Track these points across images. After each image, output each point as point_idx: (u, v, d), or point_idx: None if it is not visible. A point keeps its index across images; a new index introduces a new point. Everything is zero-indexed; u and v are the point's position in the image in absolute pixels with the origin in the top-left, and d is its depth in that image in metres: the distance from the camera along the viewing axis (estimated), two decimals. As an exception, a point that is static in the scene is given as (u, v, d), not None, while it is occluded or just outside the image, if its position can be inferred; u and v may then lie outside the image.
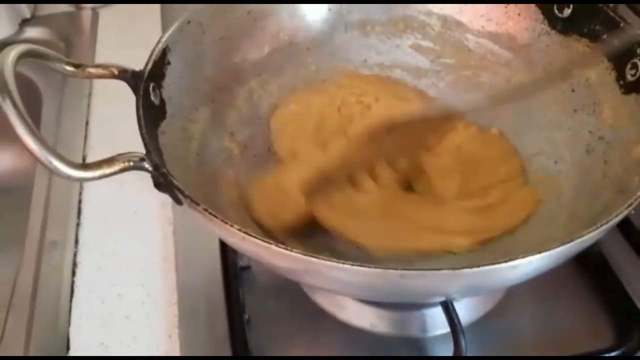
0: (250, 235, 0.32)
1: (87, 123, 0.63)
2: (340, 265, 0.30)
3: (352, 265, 0.30)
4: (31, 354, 0.45)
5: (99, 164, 0.35)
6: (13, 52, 0.37)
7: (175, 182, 0.35)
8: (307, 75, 0.57)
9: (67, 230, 0.53)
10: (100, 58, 0.70)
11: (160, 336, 0.46)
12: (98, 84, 0.66)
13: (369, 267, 0.30)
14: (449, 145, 0.51)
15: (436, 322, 0.46)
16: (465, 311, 0.45)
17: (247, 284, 0.48)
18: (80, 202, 0.56)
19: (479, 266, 0.29)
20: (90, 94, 0.66)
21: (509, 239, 0.45)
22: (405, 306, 0.46)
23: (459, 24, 0.56)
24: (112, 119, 0.62)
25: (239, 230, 0.32)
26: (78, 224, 0.54)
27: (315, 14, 0.57)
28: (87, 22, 0.76)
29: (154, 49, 0.45)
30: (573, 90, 0.49)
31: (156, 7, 0.77)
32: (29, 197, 0.56)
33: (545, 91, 0.51)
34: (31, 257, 0.51)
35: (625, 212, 0.33)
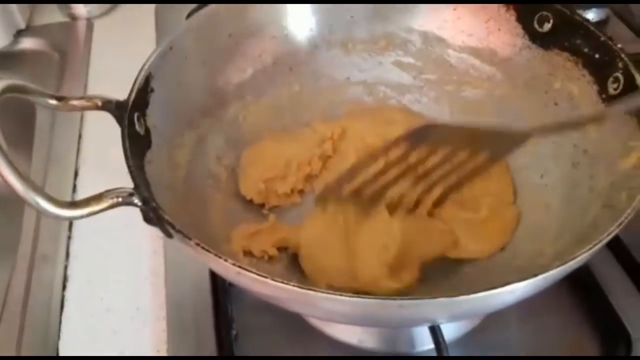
0: (246, 270, 0.32)
1: (79, 136, 0.62)
2: (339, 297, 0.29)
3: (351, 297, 0.30)
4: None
5: (87, 202, 0.35)
6: (-5, 89, 0.36)
7: (166, 217, 0.35)
8: (290, 95, 0.57)
9: (58, 243, 0.53)
10: (94, 69, 0.70)
11: (149, 352, 0.47)
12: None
13: (368, 298, 0.30)
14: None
15: (424, 338, 0.45)
16: (451, 328, 0.45)
17: (236, 299, 0.48)
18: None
19: (476, 292, 0.29)
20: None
21: (500, 255, 0.46)
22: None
23: (440, 39, 0.57)
24: (105, 132, 0.61)
25: (234, 264, 0.32)
26: (69, 237, 0.54)
27: (297, 34, 0.57)
28: (82, 33, 0.75)
29: (137, 77, 0.45)
30: (556, 104, 0.50)
31: (151, 18, 0.77)
32: (21, 208, 0.56)
33: (528, 104, 0.51)
34: (22, 270, 0.51)
35: (616, 232, 0.33)
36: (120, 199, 0.35)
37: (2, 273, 0.53)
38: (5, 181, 0.33)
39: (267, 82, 0.56)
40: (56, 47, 0.73)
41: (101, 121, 0.61)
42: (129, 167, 0.38)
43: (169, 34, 0.49)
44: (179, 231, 0.34)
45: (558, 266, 0.31)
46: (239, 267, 0.32)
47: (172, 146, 0.47)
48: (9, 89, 0.37)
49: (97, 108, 0.42)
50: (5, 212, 0.63)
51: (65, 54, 0.72)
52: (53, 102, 0.40)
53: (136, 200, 0.36)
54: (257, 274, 0.32)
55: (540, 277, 0.31)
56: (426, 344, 0.45)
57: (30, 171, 0.59)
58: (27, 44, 0.74)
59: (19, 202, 0.55)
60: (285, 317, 0.47)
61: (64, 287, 0.51)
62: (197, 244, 0.33)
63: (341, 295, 0.29)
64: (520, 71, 0.53)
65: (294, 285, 0.31)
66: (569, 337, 0.46)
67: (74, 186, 0.57)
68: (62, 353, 0.46)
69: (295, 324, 0.47)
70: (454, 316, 0.36)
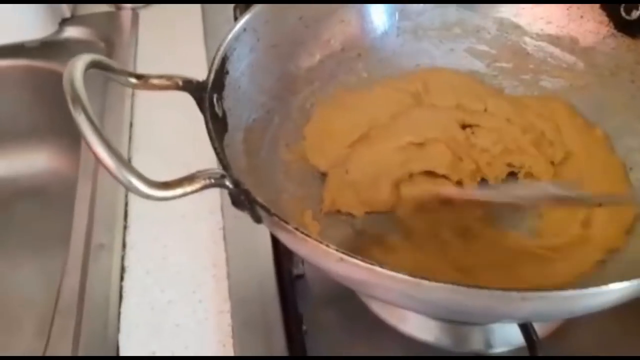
0: (350, 256, 0.30)
1: (131, 125, 0.61)
2: (463, 288, 0.27)
3: (472, 288, 0.28)
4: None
5: (179, 182, 0.33)
6: (80, 63, 0.34)
7: (260, 200, 0.33)
8: (358, 82, 0.55)
9: (114, 233, 0.51)
10: (141, 59, 0.68)
11: (214, 345, 0.45)
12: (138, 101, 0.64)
13: (490, 289, 0.27)
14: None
15: (500, 338, 0.44)
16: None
17: (302, 293, 0.46)
18: (126, 204, 0.54)
19: (607, 284, 0.27)
20: (133, 94, 0.63)
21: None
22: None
23: (516, 26, 0.55)
24: (156, 120, 0.60)
25: (337, 250, 0.30)
26: (125, 227, 0.52)
27: (366, 19, 0.55)
28: (127, 22, 0.74)
29: (214, 57, 0.43)
30: (645, 93, 0.48)
31: (197, 7, 0.74)
32: (72, 197, 0.54)
33: (613, 95, 0.49)
34: (77, 261, 0.49)
35: None
36: (212, 180, 0.33)
37: (56, 263, 0.52)
38: (97, 157, 0.31)
39: (336, 68, 0.54)
40: (102, 36, 0.72)
41: (152, 108, 0.62)
42: (215, 149, 0.36)
43: (244, 15, 0.47)
44: (274, 214, 0.32)
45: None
46: (343, 252, 0.30)
47: (244, 131, 0.45)
48: (93, 64, 0.36)
49: (178, 88, 0.40)
50: (52, 206, 0.63)
51: (112, 44, 0.71)
52: (133, 80, 0.39)
53: (228, 183, 0.34)
54: (363, 261, 0.30)
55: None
56: (501, 344, 0.44)
57: (80, 161, 0.58)
58: (73, 32, 0.73)
59: (70, 191, 0.56)
60: (355, 312, 0.46)
61: (121, 278, 0.49)
62: (296, 229, 0.31)
63: (468, 286, 0.27)
64: (604, 60, 0.51)
65: (404, 275, 0.29)
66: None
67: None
68: (122, 347, 0.45)
69: (366, 319, 0.45)
70: (570, 312, 0.33)
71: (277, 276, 0.47)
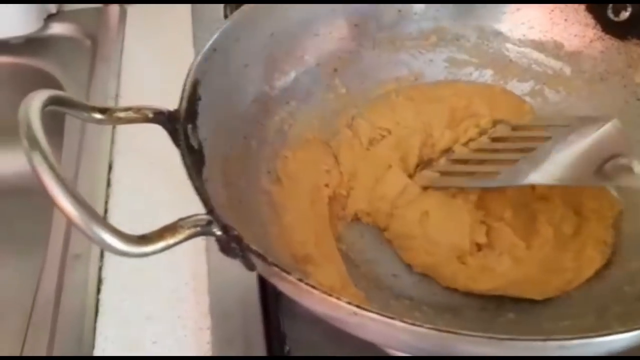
0: (364, 309, 0.26)
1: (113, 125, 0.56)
2: (494, 341, 0.24)
3: (507, 339, 0.24)
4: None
5: (160, 234, 0.29)
6: (36, 102, 0.30)
7: (254, 248, 0.29)
8: (337, 99, 0.51)
9: (91, 242, 0.46)
10: (127, 56, 0.64)
11: None
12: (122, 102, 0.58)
13: (528, 340, 0.24)
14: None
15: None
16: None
17: (286, 310, 0.42)
18: (106, 211, 0.49)
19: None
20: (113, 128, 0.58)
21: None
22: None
23: (497, 33, 0.52)
24: (139, 155, 0.54)
25: (349, 304, 0.27)
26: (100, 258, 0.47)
27: (341, 31, 0.52)
28: (114, 18, 0.70)
29: (184, 84, 0.39)
30: (639, 99, 0.46)
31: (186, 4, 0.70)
32: (51, 202, 0.49)
33: (604, 100, 0.47)
34: (53, 270, 0.46)
35: None
36: (199, 229, 0.29)
37: (30, 272, 0.50)
38: (62, 211, 0.27)
39: (312, 85, 0.51)
40: (87, 33, 0.69)
41: (133, 141, 0.57)
42: (196, 189, 0.32)
43: (210, 35, 0.43)
44: (272, 264, 0.29)
45: None
46: (356, 306, 0.26)
47: (223, 161, 0.41)
48: (51, 100, 0.31)
49: (148, 120, 0.36)
50: (34, 204, 0.57)
51: (97, 41, 0.67)
52: (97, 115, 0.34)
53: (215, 230, 0.30)
54: (380, 314, 0.26)
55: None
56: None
57: (62, 161, 0.53)
58: (58, 29, 0.70)
59: (48, 194, 0.51)
60: (340, 332, 0.42)
61: (98, 291, 0.45)
62: (300, 280, 0.28)
63: (500, 338, 0.24)
64: (593, 65, 0.49)
65: (430, 328, 0.25)
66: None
67: (108, 180, 0.51)
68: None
69: (352, 340, 0.42)
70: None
71: (261, 291, 0.43)
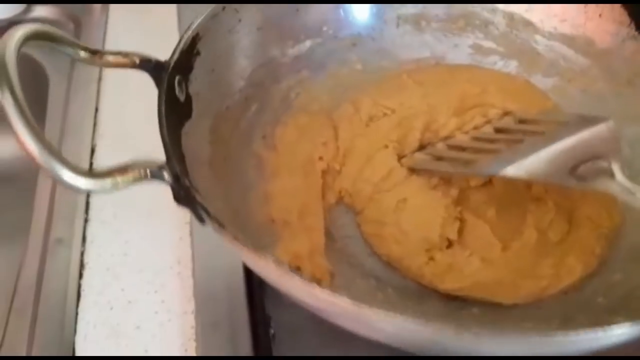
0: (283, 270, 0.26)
1: (96, 110, 0.57)
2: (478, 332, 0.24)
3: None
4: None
5: (110, 172, 0.29)
6: (19, 33, 0.31)
7: (199, 199, 0.30)
8: (351, 74, 0.51)
9: (74, 226, 0.48)
10: (110, 40, 0.65)
11: (175, 350, 0.41)
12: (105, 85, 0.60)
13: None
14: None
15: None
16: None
17: (271, 294, 0.42)
18: (88, 196, 0.50)
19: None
20: (100, 79, 0.59)
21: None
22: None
23: (528, 23, 0.50)
24: (124, 106, 0.55)
25: (271, 262, 0.26)
26: (86, 220, 0.48)
27: (365, 5, 0.51)
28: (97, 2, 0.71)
29: (182, 36, 0.39)
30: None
31: None
32: (33, 187, 0.51)
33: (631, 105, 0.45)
34: (35, 256, 0.46)
35: None
36: (148, 172, 0.30)
37: (12, 258, 0.49)
38: (18, 139, 0.28)
39: (326, 57, 0.50)
40: (71, 16, 0.70)
41: (120, 93, 0.58)
42: (162, 136, 0.33)
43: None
44: (213, 218, 0.29)
45: None
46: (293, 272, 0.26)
47: (214, 118, 0.42)
48: (36, 35, 0.32)
49: (134, 66, 0.36)
50: (16, 190, 0.60)
51: (80, 24, 0.68)
52: (85, 54, 0.35)
53: (166, 176, 0.30)
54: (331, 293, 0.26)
55: None
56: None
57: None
58: (40, 11, 0.71)
59: (30, 180, 0.52)
60: None
61: (80, 276, 0.45)
62: (235, 238, 0.28)
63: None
64: (622, 66, 0.46)
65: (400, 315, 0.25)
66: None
67: (91, 164, 0.51)
68: (78, 348, 0.41)
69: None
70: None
71: (246, 276, 0.43)
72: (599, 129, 0.38)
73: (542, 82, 0.49)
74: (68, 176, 0.28)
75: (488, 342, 0.27)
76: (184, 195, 0.30)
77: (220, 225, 0.28)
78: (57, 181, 0.28)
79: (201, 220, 0.31)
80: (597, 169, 0.35)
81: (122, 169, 0.30)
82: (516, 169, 0.37)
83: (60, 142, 0.53)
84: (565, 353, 0.28)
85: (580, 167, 0.36)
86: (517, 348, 0.28)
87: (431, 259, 0.39)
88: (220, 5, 0.43)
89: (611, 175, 0.34)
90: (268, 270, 0.27)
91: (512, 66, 0.51)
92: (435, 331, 0.26)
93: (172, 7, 0.66)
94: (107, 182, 0.29)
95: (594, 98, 0.47)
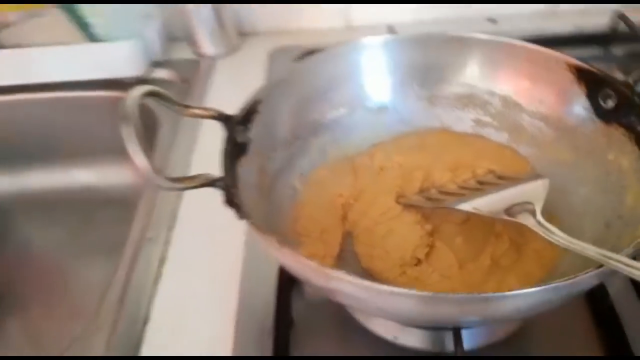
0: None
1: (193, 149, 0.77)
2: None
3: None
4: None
5: (183, 178, 0.46)
6: (140, 91, 0.48)
7: (239, 203, 0.45)
8: (374, 134, 0.66)
9: (160, 232, 0.65)
10: (210, 98, 0.86)
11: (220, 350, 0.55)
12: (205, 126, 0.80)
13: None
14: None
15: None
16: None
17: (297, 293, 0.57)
18: (174, 218, 0.68)
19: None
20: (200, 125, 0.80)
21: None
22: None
23: (516, 104, 0.63)
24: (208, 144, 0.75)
25: (281, 244, 0.41)
26: (170, 228, 0.67)
27: (388, 85, 0.66)
28: (205, 69, 0.92)
29: (247, 100, 0.56)
30: (608, 174, 0.54)
31: (264, 64, 0.92)
32: (133, 210, 0.68)
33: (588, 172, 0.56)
34: (123, 269, 0.60)
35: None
36: (208, 180, 0.46)
37: (109, 267, 0.62)
38: (131, 157, 0.45)
39: (357, 120, 0.65)
40: (183, 79, 0.88)
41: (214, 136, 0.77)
42: (221, 159, 0.49)
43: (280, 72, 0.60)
44: (249, 217, 0.44)
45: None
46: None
47: (264, 158, 0.57)
48: (149, 93, 0.49)
49: (212, 117, 0.53)
50: (119, 211, 0.77)
51: (189, 85, 0.87)
52: (180, 108, 0.52)
53: (220, 185, 0.46)
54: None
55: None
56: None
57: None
58: (160, 73, 0.89)
59: (132, 204, 0.69)
60: (334, 313, 0.55)
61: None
62: (252, 223, 0.43)
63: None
64: (582, 141, 0.58)
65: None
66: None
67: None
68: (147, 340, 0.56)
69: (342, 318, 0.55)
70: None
71: (279, 277, 0.58)
72: (536, 184, 0.51)
73: (525, 150, 0.62)
74: (156, 179, 0.45)
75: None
76: (230, 199, 0.46)
77: (254, 223, 0.43)
78: (152, 182, 0.45)
79: (241, 217, 0.47)
80: (523, 209, 0.48)
81: (192, 177, 0.46)
82: (467, 205, 0.51)
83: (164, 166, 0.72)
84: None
85: (514, 207, 0.49)
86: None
87: (403, 272, 0.53)
88: (278, 80, 0.60)
89: (533, 213, 0.47)
90: (288, 256, 0.42)
91: (503, 137, 0.64)
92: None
93: (262, 77, 0.87)
94: (182, 184, 0.46)
95: (560, 164, 0.59)
